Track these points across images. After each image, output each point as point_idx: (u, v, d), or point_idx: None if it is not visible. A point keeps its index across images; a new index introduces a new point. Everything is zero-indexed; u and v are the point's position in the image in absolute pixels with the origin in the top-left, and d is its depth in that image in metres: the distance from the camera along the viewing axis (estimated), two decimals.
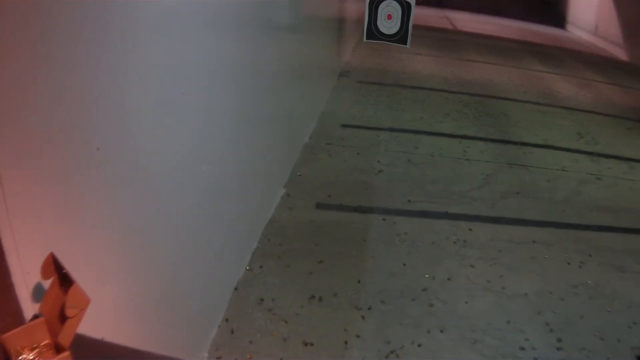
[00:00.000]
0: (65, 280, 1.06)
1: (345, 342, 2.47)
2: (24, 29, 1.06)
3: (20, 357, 1.00)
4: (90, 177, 1.33)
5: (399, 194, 3.93)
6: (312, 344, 2.43)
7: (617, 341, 2.65)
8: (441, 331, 2.60)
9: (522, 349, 2.54)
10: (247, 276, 2.85)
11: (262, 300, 2.68)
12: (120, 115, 1.44)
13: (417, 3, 4.08)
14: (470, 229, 3.53)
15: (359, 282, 2.90)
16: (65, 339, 1.02)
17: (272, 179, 3.61)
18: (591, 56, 10.95)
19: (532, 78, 8.05)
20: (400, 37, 4.03)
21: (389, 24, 4.01)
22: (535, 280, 3.06)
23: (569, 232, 3.64)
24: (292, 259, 3.03)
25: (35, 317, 1.08)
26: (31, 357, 1.01)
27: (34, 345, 1.03)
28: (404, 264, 3.10)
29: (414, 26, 3.93)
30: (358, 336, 2.52)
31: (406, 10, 3.94)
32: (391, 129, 5.21)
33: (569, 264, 3.26)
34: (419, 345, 2.49)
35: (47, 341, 1.05)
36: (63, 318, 1.01)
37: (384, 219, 3.57)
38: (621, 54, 11.12)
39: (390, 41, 4.10)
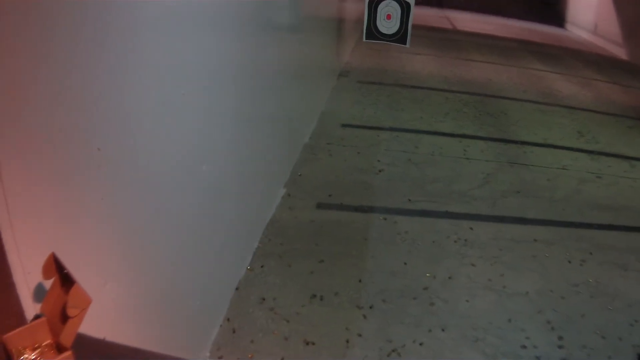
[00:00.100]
0: (66, 280, 1.07)
1: (347, 341, 2.48)
2: (24, 29, 1.06)
3: (22, 357, 1.00)
4: (91, 177, 1.33)
5: (400, 194, 3.93)
6: (313, 343, 2.44)
7: (618, 339, 2.65)
8: (442, 330, 2.60)
9: (524, 347, 2.54)
10: (248, 276, 2.85)
11: (264, 299, 2.68)
12: (121, 115, 1.44)
13: (417, 3, 4.09)
14: (471, 228, 3.54)
15: (360, 281, 2.90)
16: (66, 338, 1.02)
17: (273, 179, 3.61)
18: (591, 55, 10.94)
19: (532, 77, 8.04)
20: (399, 36, 4.04)
21: (388, 24, 4.02)
22: (536, 279, 3.06)
23: (570, 231, 3.64)
24: (293, 259, 3.03)
25: (37, 317, 1.09)
26: (33, 357, 1.02)
27: (36, 345, 1.04)
28: (405, 263, 3.10)
29: (414, 26, 3.94)
30: (359, 335, 2.52)
31: (405, 10, 3.95)
32: (391, 129, 5.21)
33: (569, 262, 3.26)
34: (420, 344, 2.50)
35: (48, 341, 1.05)
36: (64, 318, 1.01)
37: (385, 219, 3.57)
38: (621, 53, 11.12)
39: (389, 41, 4.11)
